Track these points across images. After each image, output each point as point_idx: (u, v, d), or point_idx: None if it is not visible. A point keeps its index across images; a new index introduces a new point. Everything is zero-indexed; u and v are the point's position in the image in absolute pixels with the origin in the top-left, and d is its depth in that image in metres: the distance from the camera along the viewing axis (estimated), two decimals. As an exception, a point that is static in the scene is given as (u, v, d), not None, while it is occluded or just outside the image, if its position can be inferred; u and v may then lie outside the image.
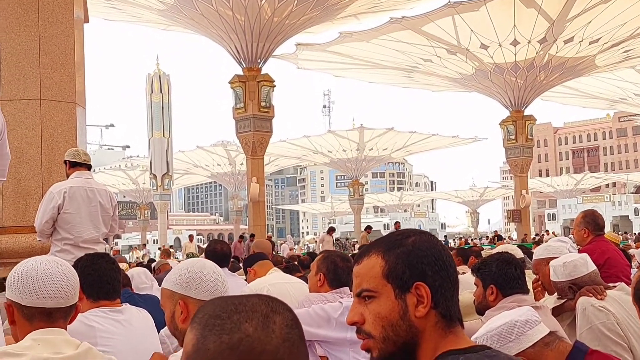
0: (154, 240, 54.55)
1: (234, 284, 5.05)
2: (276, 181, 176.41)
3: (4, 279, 5.15)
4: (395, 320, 1.39)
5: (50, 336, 2.01)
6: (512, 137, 33.02)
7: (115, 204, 5.52)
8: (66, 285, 2.07)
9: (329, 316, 2.98)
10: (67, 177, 5.36)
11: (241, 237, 23.21)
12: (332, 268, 3.52)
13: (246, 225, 36.78)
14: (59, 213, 5.12)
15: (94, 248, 5.23)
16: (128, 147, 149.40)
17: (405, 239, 1.44)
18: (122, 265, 12.45)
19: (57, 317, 2.07)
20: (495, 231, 35.56)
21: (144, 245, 44.10)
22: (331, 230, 24.29)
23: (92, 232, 5.25)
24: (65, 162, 5.43)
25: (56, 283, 2.05)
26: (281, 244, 33.93)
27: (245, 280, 5.50)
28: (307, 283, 4.29)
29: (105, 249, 5.57)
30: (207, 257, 5.48)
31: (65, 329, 2.09)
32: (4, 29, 6.10)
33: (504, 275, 3.21)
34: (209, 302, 1.08)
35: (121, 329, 2.87)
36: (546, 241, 7.91)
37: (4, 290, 4.54)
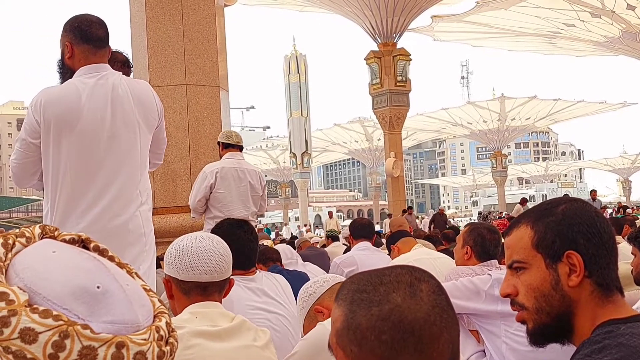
0: (295, 217, 55.81)
1: (378, 260, 5.06)
2: (414, 155, 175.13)
3: (157, 257, 5.44)
4: (548, 291, 1.36)
5: (207, 309, 2.09)
6: (665, 99, 31.03)
7: (264, 184, 5.72)
8: (220, 260, 2.14)
9: (478, 289, 2.91)
10: (220, 157, 5.60)
11: (404, 211, 23.31)
12: (479, 241, 3.43)
13: (385, 200, 36.84)
14: (211, 192, 5.36)
15: None
16: (268, 127, 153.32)
17: (555, 207, 1.41)
18: (267, 243, 12.80)
19: (212, 290, 2.14)
20: (619, 203, 32.24)
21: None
22: (524, 201, 23.51)
23: (242, 210, 5.44)
24: (218, 143, 5.67)
25: (211, 258, 2.12)
26: (422, 218, 33.67)
27: (389, 255, 5.50)
28: (451, 257, 4.22)
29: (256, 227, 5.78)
30: (351, 230, 5.59)
31: (220, 302, 2.17)
32: (150, 18, 6.39)
33: None
34: (350, 278, 1.07)
35: (253, 296, 2.94)
36: None
37: (159, 267, 4.79)
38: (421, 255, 4.40)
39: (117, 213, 2.97)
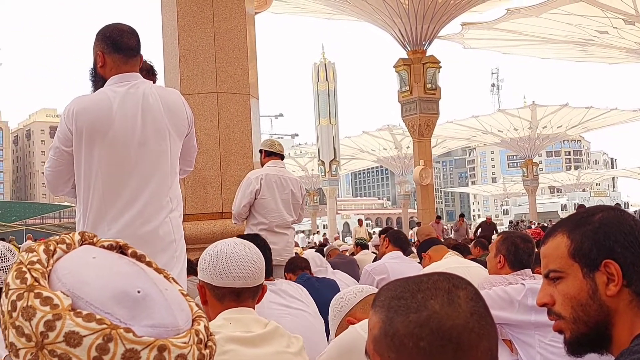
0: (323, 225, 55.76)
1: (409, 268, 5.04)
2: (444, 163, 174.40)
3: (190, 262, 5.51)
4: (585, 300, 1.34)
5: (240, 315, 2.10)
6: (702, 107, 30.49)
7: (304, 193, 5.79)
8: (253, 266, 2.15)
9: (511, 298, 2.88)
10: (262, 165, 5.71)
11: (438, 217, 23.27)
12: (513, 249, 3.40)
13: (414, 209, 36.65)
14: (255, 198, 5.40)
15: (285, 233, 5.52)
16: (297, 135, 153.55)
17: (592, 216, 1.38)
18: (297, 249, 12.82)
19: (246, 296, 2.15)
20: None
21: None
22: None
23: (285, 217, 5.50)
24: (260, 151, 5.78)
25: (244, 264, 2.13)
26: (451, 227, 33.42)
27: (420, 263, 5.48)
28: (484, 267, 4.18)
29: (295, 235, 5.87)
30: (391, 236, 5.60)
31: (254, 308, 2.18)
32: (182, 27, 6.46)
33: None
34: (387, 285, 1.07)
35: (275, 296, 3.01)
36: None
37: (190, 274, 4.84)
38: (453, 264, 4.37)
39: (148, 219, 3.01)
